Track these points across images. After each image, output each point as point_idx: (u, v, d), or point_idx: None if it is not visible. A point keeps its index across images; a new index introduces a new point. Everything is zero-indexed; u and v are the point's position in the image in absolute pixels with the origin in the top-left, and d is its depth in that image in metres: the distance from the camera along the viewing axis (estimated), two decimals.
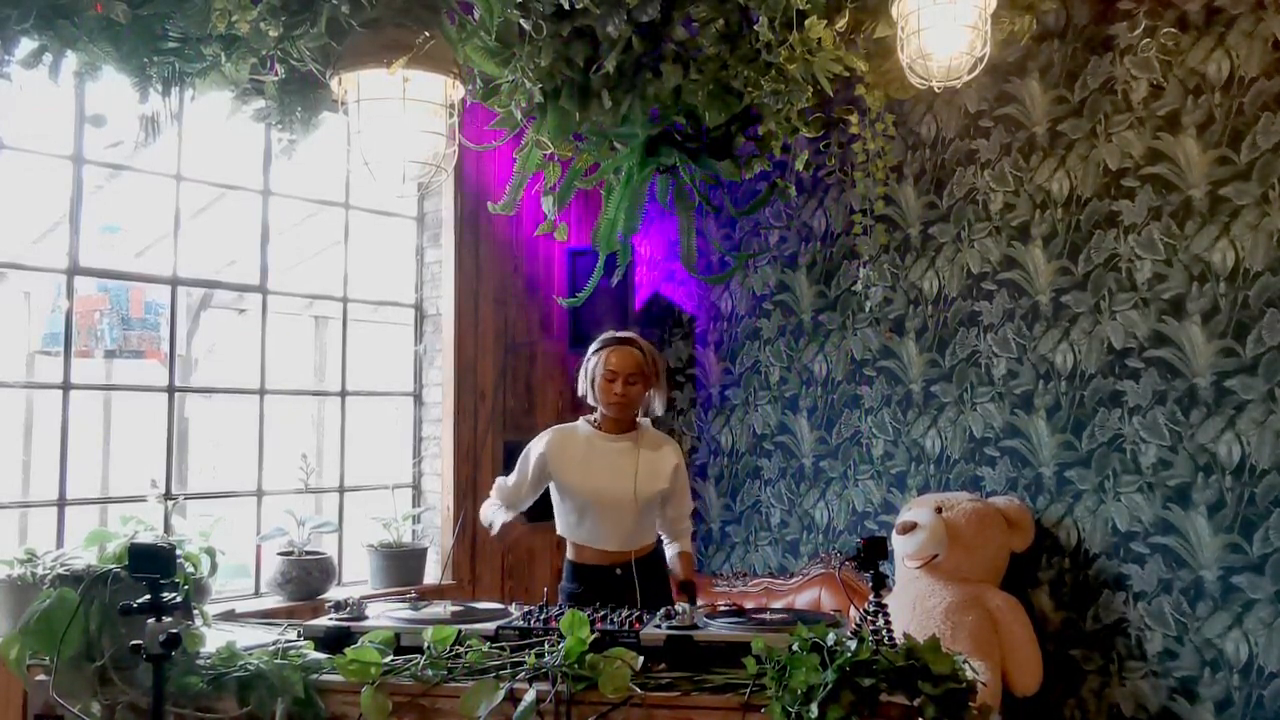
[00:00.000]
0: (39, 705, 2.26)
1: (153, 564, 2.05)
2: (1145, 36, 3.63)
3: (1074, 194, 3.79)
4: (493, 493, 3.31)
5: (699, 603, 2.39)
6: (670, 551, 3.32)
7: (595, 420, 3.23)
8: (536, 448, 3.24)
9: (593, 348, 3.22)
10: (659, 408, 3.26)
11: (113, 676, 2.23)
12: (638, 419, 3.24)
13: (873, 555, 2.22)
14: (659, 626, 2.28)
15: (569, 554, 3.26)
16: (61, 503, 3.57)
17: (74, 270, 3.61)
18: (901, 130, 4.19)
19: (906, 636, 2.02)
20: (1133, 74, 3.66)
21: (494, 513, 3.20)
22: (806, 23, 2.70)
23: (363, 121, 2.49)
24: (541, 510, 3.31)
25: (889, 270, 4.26)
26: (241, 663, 2.18)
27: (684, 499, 3.29)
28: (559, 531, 3.28)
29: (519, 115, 2.93)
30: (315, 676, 2.18)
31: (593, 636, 2.14)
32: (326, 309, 5.15)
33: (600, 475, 3.15)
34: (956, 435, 4.06)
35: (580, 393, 3.26)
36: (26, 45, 2.57)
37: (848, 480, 4.37)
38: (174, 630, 1.99)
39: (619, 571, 3.13)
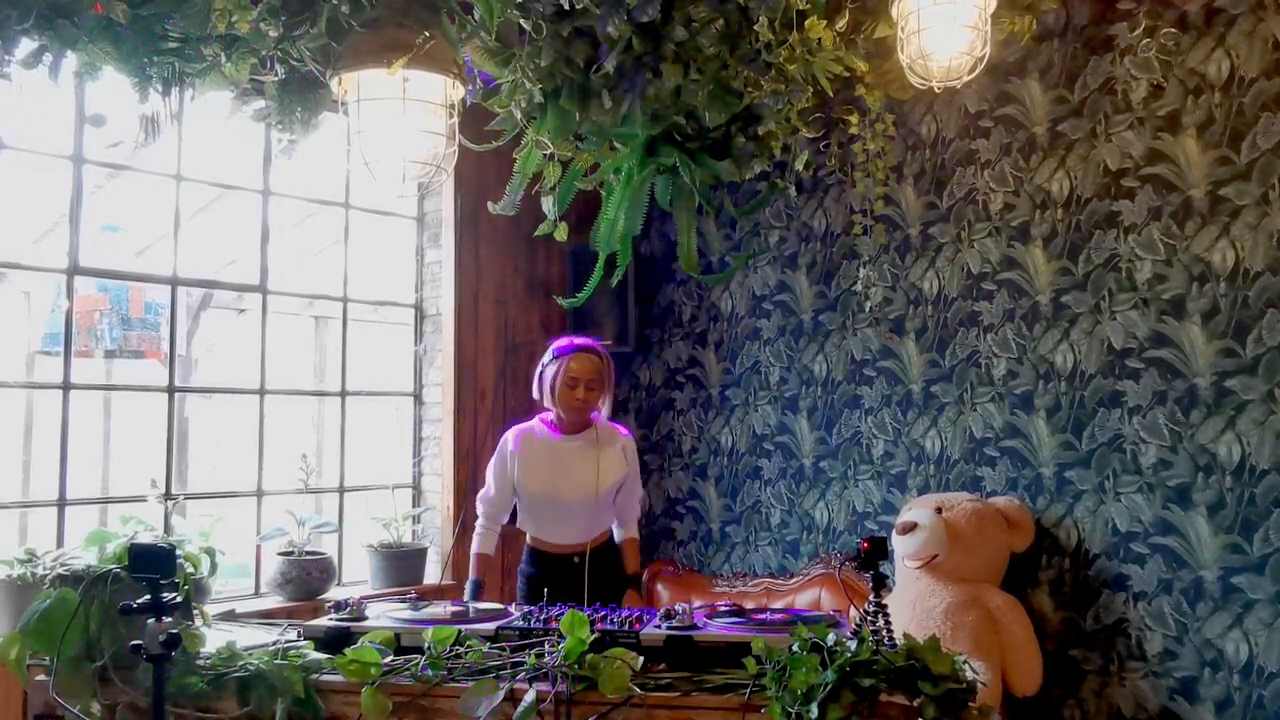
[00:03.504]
0: (39, 705, 2.26)
1: (153, 564, 2.05)
2: (1145, 36, 3.63)
3: (1074, 194, 3.79)
4: (479, 511, 3.48)
5: (691, 606, 2.42)
6: (619, 536, 3.51)
7: (554, 420, 3.38)
8: (507, 448, 3.41)
9: (550, 354, 3.37)
10: (606, 410, 3.44)
11: (113, 676, 2.23)
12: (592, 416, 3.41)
13: (873, 555, 2.23)
14: (659, 626, 2.28)
15: (529, 540, 3.45)
16: (61, 503, 3.57)
17: (74, 270, 3.61)
18: (901, 130, 4.19)
19: (906, 636, 2.02)
20: (1133, 74, 3.66)
21: (474, 560, 3.41)
22: (806, 23, 2.70)
23: (363, 121, 2.49)
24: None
25: (889, 270, 4.26)
26: (241, 663, 2.18)
27: (635, 484, 3.48)
28: (519, 524, 3.46)
29: (519, 115, 2.92)
30: (315, 676, 2.18)
31: (592, 637, 2.14)
32: (326, 309, 5.15)
33: (562, 476, 3.33)
34: (956, 435, 4.06)
35: (535, 395, 3.41)
36: (26, 45, 2.57)
37: (848, 480, 4.37)
38: (174, 630, 1.99)
39: (576, 560, 3.31)
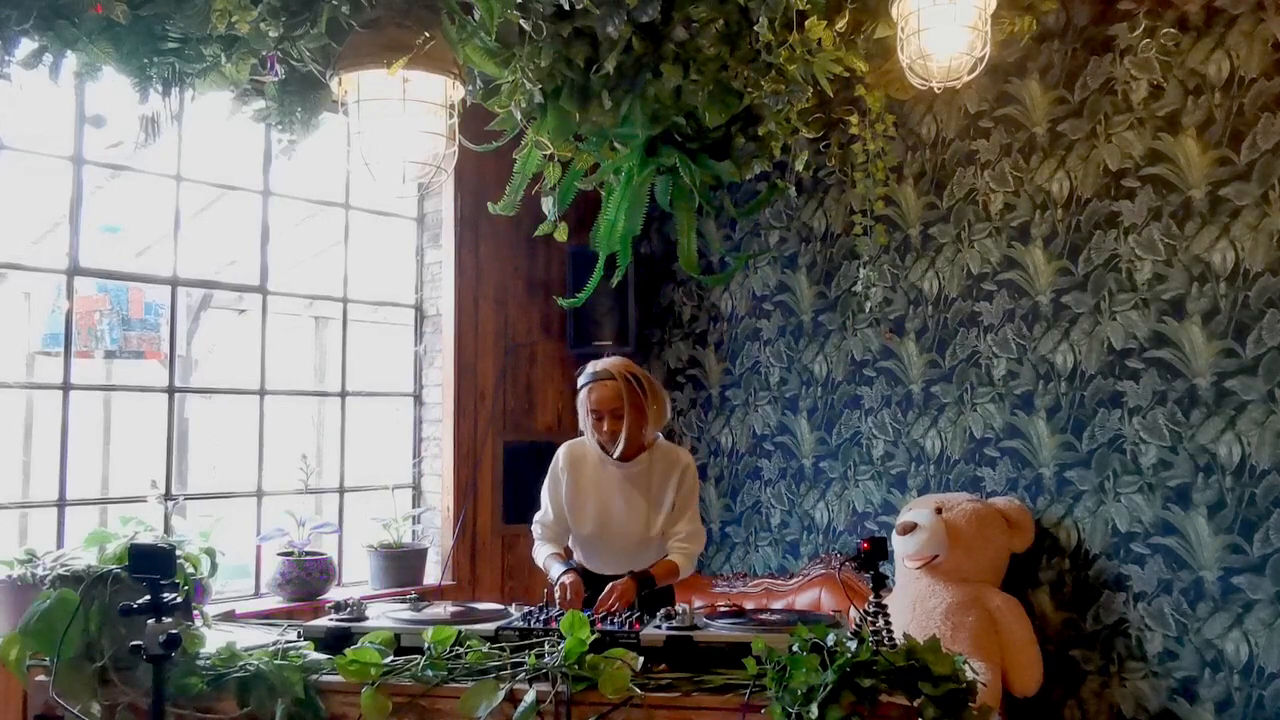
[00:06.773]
0: (39, 705, 2.26)
1: (153, 564, 2.05)
2: (1145, 36, 3.63)
3: (1074, 194, 3.79)
4: (536, 534, 3.21)
5: (692, 606, 2.32)
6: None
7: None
8: (558, 467, 3.17)
9: (579, 381, 3.12)
10: (662, 418, 3.14)
11: (113, 677, 2.23)
12: (646, 439, 3.10)
13: (873, 556, 2.23)
14: (659, 627, 2.28)
15: (578, 555, 3.23)
16: (61, 503, 3.57)
17: (74, 270, 3.61)
18: (901, 130, 4.19)
19: (906, 637, 2.02)
20: (1133, 74, 3.66)
21: (549, 560, 3.09)
22: (806, 23, 2.70)
23: (363, 122, 2.49)
24: None
25: (889, 270, 4.26)
26: (241, 663, 2.19)
27: (683, 511, 3.12)
28: (569, 543, 3.23)
29: (519, 115, 2.92)
30: (315, 677, 2.18)
31: (593, 637, 2.14)
32: (326, 309, 5.16)
33: (613, 510, 3.09)
34: (956, 435, 4.06)
35: (580, 428, 3.18)
36: (26, 45, 2.57)
37: (848, 481, 4.37)
38: (174, 631, 1.99)
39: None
